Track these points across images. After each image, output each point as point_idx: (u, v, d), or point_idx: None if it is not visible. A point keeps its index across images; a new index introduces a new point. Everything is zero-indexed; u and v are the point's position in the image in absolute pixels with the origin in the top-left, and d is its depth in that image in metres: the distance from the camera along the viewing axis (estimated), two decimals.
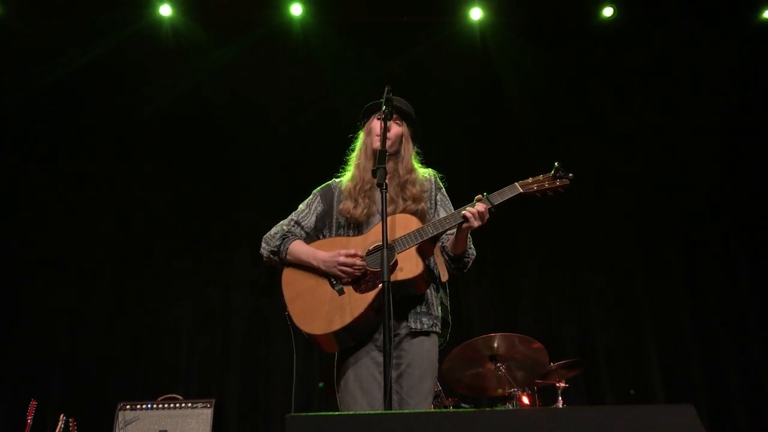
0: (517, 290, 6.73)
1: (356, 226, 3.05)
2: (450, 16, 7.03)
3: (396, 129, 3.10)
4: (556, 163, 2.88)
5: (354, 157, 3.22)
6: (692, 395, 6.16)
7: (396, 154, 3.12)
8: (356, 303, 2.81)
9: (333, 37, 6.97)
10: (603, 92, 7.27)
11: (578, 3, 7.03)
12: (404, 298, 2.87)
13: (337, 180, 3.25)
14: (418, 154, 3.25)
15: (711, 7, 7.01)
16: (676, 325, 6.58)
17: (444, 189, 3.22)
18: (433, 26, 7.10)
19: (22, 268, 6.51)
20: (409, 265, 2.81)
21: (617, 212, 6.96)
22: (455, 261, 2.98)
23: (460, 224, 2.83)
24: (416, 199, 3.02)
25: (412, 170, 3.12)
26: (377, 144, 3.01)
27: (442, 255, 3.00)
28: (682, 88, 7.21)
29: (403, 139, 3.14)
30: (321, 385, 5.25)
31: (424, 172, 3.21)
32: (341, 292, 2.87)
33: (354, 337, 2.85)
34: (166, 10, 6.80)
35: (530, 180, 2.89)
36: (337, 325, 2.79)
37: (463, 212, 2.81)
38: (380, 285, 2.55)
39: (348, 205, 3.04)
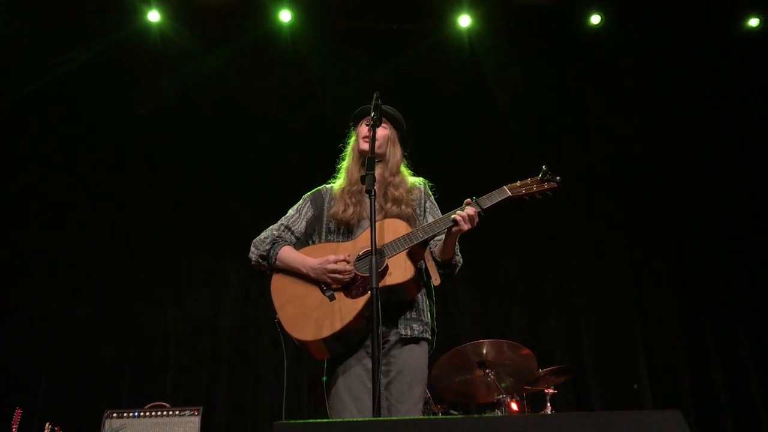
0: (505, 297, 6.73)
1: (346, 231, 3.05)
2: (439, 23, 7.05)
3: (382, 132, 3.08)
4: (543, 167, 2.90)
5: (344, 162, 3.24)
6: (680, 401, 6.19)
7: (382, 157, 3.12)
8: (346, 309, 2.80)
9: (322, 44, 6.97)
10: (591, 98, 7.31)
11: (566, 10, 7.07)
12: (395, 303, 2.87)
13: (327, 185, 3.26)
14: (406, 158, 3.26)
15: (697, 15, 7.07)
16: (664, 331, 6.61)
17: (433, 197, 3.22)
18: (422, 33, 7.12)
19: (8, 274, 6.45)
20: (399, 270, 2.81)
21: (606, 219, 7.00)
22: (442, 266, 2.99)
23: (450, 228, 2.84)
24: (397, 201, 3.02)
25: (396, 173, 3.13)
26: (362, 146, 3.07)
27: (432, 261, 3.00)
28: (669, 94, 7.27)
29: (389, 143, 3.15)
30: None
31: (413, 180, 3.22)
32: (332, 298, 2.86)
33: (344, 344, 2.84)
34: (154, 16, 6.77)
35: (518, 183, 2.92)
36: (327, 332, 2.78)
37: (453, 216, 2.82)
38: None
39: (338, 208, 3.05)
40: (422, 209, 3.13)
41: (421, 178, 3.27)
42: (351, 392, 2.81)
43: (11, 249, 6.54)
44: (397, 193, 3.05)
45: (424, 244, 2.92)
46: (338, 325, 2.77)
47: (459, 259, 3.04)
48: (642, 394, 6.27)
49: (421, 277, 2.96)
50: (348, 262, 2.86)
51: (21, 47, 6.79)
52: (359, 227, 3.02)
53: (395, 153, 3.17)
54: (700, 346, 6.55)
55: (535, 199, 2.92)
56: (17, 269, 6.49)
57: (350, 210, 3.02)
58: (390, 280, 2.79)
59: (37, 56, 6.78)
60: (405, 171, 3.21)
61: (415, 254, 2.89)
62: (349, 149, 3.25)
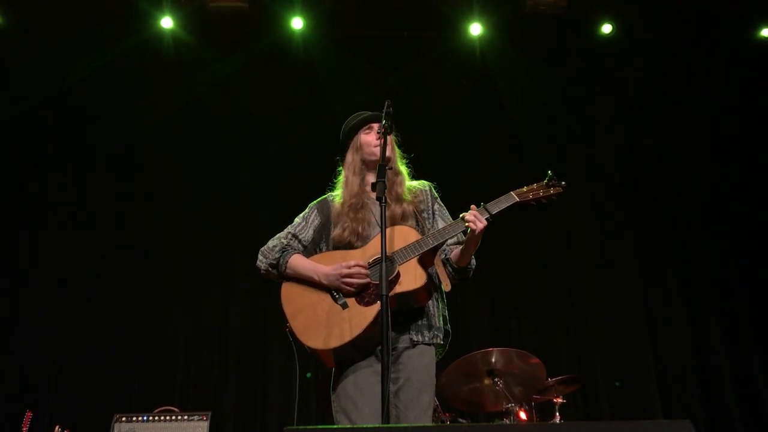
0: (514, 305, 6.72)
1: (355, 242, 3.04)
2: (450, 32, 7.06)
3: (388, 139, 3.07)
4: (549, 171, 2.93)
5: (341, 178, 3.23)
6: (690, 411, 6.15)
7: (389, 162, 3.12)
8: (359, 318, 2.80)
9: (333, 51, 6.99)
10: (602, 107, 7.30)
11: (577, 19, 7.06)
12: (405, 311, 2.86)
13: (333, 194, 3.25)
14: (406, 158, 3.28)
15: (710, 24, 7.04)
16: (674, 340, 6.57)
17: (439, 198, 3.23)
18: (433, 41, 7.13)
19: (19, 278, 6.50)
20: (410, 277, 2.80)
21: (614, 227, 6.98)
22: (459, 272, 2.99)
23: (465, 232, 2.84)
24: (399, 200, 3.04)
25: (397, 173, 3.14)
26: (375, 158, 3.05)
27: (445, 267, 3.00)
28: (680, 103, 7.25)
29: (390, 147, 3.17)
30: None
31: (418, 184, 3.23)
32: (345, 306, 2.85)
33: (360, 351, 2.83)
34: (167, 23, 6.81)
35: (525, 189, 2.95)
36: (340, 341, 2.77)
37: (465, 223, 2.81)
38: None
39: (337, 232, 3.03)
40: (430, 212, 3.13)
41: (424, 181, 3.28)
42: (362, 392, 2.78)
43: (23, 252, 6.59)
44: (400, 191, 3.07)
45: (435, 250, 2.91)
46: (352, 335, 2.77)
47: (473, 263, 3.03)
48: (652, 404, 6.24)
49: (432, 283, 2.95)
50: (363, 267, 2.86)
51: (35, 53, 6.85)
52: (369, 234, 3.00)
53: (394, 154, 3.20)
54: (711, 355, 6.50)
55: (542, 204, 2.94)
56: (29, 273, 6.54)
57: (347, 230, 2.99)
58: (401, 287, 2.78)
59: (52, 62, 6.85)
60: (403, 169, 3.22)
61: (426, 260, 2.88)
62: (347, 163, 3.22)
